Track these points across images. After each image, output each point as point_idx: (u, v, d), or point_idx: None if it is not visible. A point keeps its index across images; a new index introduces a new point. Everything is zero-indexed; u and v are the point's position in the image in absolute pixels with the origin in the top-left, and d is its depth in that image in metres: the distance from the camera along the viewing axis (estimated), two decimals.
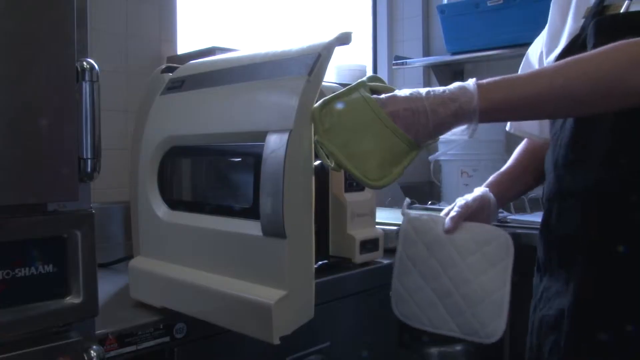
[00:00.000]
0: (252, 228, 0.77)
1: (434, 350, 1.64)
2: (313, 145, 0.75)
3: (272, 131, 0.75)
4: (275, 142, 0.74)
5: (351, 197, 1.20)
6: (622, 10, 0.83)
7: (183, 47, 1.66)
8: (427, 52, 2.47)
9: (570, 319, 0.82)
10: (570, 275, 0.84)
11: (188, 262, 0.88)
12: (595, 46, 0.80)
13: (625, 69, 0.68)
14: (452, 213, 0.95)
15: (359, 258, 1.18)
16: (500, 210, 1.69)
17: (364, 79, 0.79)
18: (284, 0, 2.13)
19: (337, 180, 1.20)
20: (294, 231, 0.73)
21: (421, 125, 0.71)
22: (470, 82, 0.72)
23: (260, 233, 0.75)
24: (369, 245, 1.19)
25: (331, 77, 2.08)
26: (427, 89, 0.74)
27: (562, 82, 0.70)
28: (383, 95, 0.74)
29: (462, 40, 2.12)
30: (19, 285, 0.63)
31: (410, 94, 0.73)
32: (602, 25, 0.82)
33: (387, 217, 1.51)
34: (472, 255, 0.90)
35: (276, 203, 0.72)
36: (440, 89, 0.73)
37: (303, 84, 0.74)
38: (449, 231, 0.92)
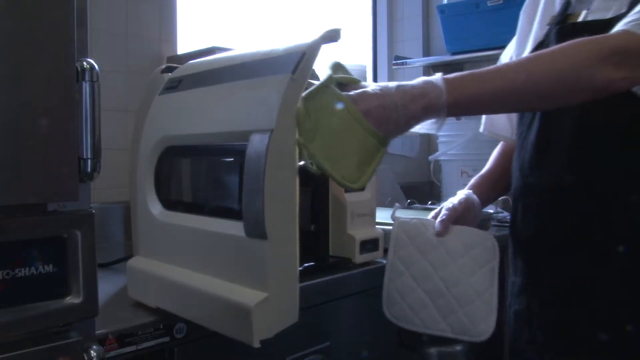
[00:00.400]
0: (237, 229, 0.76)
1: (433, 350, 1.64)
2: (297, 145, 0.73)
3: (255, 131, 0.74)
4: (257, 142, 0.72)
5: (351, 197, 1.20)
6: (579, 19, 0.89)
7: (183, 47, 1.66)
8: (427, 52, 2.47)
9: (536, 314, 0.85)
10: (533, 271, 0.86)
11: (180, 262, 0.88)
12: None
13: (583, 64, 0.72)
14: (442, 217, 0.97)
15: (359, 258, 1.18)
16: (501, 210, 1.69)
17: (330, 71, 0.78)
18: (284, 0, 2.13)
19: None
20: (276, 232, 0.72)
21: (392, 120, 0.73)
22: (437, 77, 0.74)
23: (243, 234, 0.74)
24: (369, 245, 1.19)
25: None
26: (395, 83, 0.75)
27: (526, 77, 0.73)
28: (353, 92, 0.74)
29: (462, 40, 2.12)
30: (19, 285, 0.63)
31: (381, 89, 0.74)
32: (563, 32, 0.87)
33: (387, 217, 1.50)
34: (461, 258, 0.92)
35: (257, 203, 0.71)
36: (409, 83, 0.75)
37: (286, 83, 0.73)
38: (440, 234, 0.94)
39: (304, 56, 0.74)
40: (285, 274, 0.75)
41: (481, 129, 1.18)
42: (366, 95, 0.73)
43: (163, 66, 1.14)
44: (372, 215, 1.24)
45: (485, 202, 1.06)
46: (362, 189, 0.73)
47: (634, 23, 0.73)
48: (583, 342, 0.82)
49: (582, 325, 0.82)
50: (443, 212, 0.98)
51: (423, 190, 2.31)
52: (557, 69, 0.73)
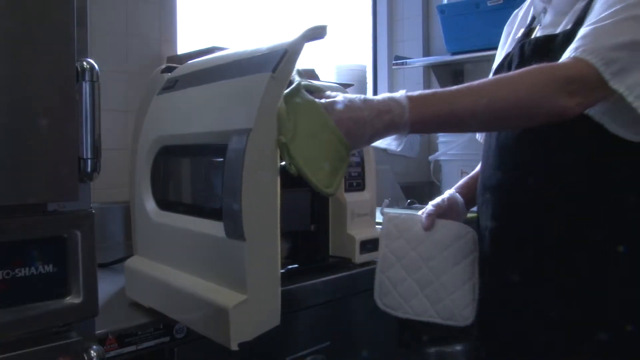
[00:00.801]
0: (219, 229, 0.75)
1: (433, 350, 1.64)
2: (278, 144, 0.72)
3: (234, 131, 0.73)
4: (236, 142, 0.71)
5: (351, 197, 1.20)
6: (533, 35, 0.94)
7: (183, 47, 1.66)
8: (427, 52, 2.47)
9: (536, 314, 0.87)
10: (533, 271, 0.89)
11: (170, 262, 0.88)
12: (518, 66, 0.91)
13: (540, 93, 0.76)
14: (428, 212, 1.04)
15: (359, 258, 1.18)
16: None
17: (297, 77, 0.79)
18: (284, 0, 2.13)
19: None
20: (255, 234, 0.71)
21: (360, 134, 0.75)
22: (402, 95, 0.76)
23: (224, 235, 0.73)
24: (369, 245, 1.19)
25: (331, 77, 2.08)
26: (361, 96, 0.77)
27: (486, 102, 0.76)
28: (323, 100, 0.76)
29: (462, 40, 2.12)
30: (19, 285, 0.63)
31: (349, 101, 0.75)
32: (522, 48, 0.92)
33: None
34: (446, 249, 0.99)
35: (235, 204, 0.70)
36: (375, 98, 0.76)
37: (266, 82, 0.72)
38: (426, 228, 1.01)
39: (285, 54, 0.73)
40: (266, 276, 0.74)
41: (477, 136, 1.20)
42: (336, 105, 0.75)
43: (163, 66, 1.14)
44: (372, 215, 1.24)
45: (470, 202, 1.09)
46: (333, 194, 0.75)
47: (582, 49, 0.75)
48: (583, 342, 0.83)
49: (582, 325, 0.83)
50: (429, 207, 1.05)
51: (423, 190, 2.31)
52: (516, 97, 0.76)
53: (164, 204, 0.95)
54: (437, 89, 0.78)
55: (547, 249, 0.85)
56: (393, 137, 0.79)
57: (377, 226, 1.25)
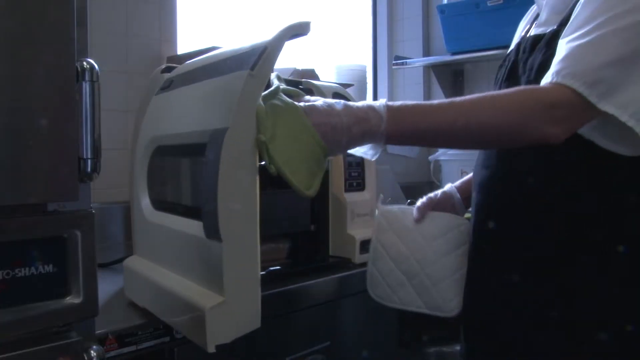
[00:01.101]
0: (200, 230, 0.73)
1: (433, 350, 1.64)
2: (258, 143, 0.71)
3: (212, 130, 0.72)
4: (213, 141, 0.70)
5: (351, 197, 1.20)
6: (528, 35, 0.93)
7: (183, 47, 1.66)
8: (427, 52, 2.47)
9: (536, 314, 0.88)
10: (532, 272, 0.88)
11: (161, 262, 0.88)
12: (511, 66, 0.91)
13: (519, 121, 0.75)
14: (419, 204, 1.04)
15: (359, 258, 1.18)
16: None
17: (276, 81, 0.79)
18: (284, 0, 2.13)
19: (337, 180, 1.20)
20: (232, 234, 0.69)
21: (336, 140, 0.74)
22: (381, 104, 0.75)
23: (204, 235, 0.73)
24: (369, 245, 1.19)
25: (331, 77, 2.08)
26: (341, 102, 0.76)
27: (464, 122, 0.75)
28: (302, 104, 0.76)
29: (462, 40, 2.12)
30: (19, 285, 0.63)
31: (329, 106, 0.75)
32: (518, 47, 0.92)
33: None
34: (435, 240, 1.00)
35: (211, 204, 0.69)
36: (355, 105, 0.76)
37: (244, 80, 0.70)
38: (417, 220, 1.02)
39: (264, 52, 0.72)
40: (244, 277, 0.72)
41: None
42: (315, 109, 0.74)
43: (163, 66, 1.14)
44: (372, 215, 1.24)
45: (467, 201, 1.08)
46: (312, 196, 0.75)
47: (564, 73, 0.73)
48: (583, 342, 0.83)
49: (582, 325, 0.83)
50: (422, 200, 1.05)
51: (423, 190, 2.29)
52: (495, 122, 0.75)
53: (157, 203, 0.95)
54: (419, 102, 0.77)
55: (547, 248, 0.86)
56: (369, 145, 0.79)
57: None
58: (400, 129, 0.75)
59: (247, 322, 0.73)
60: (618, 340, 0.81)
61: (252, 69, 0.71)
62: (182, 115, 0.87)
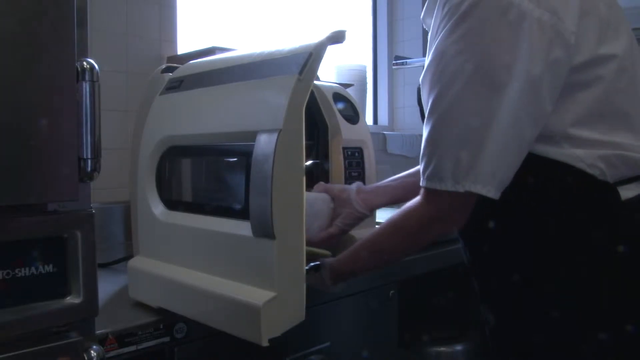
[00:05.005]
0: (243, 229, 0.76)
1: (433, 350, 1.64)
2: (304, 144, 0.75)
3: (262, 131, 0.74)
4: (264, 142, 0.73)
5: None
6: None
7: (183, 47, 1.66)
8: (427, 52, 2.47)
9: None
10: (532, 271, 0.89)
11: (183, 262, 0.88)
12: None
13: (416, 239, 0.89)
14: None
15: None
16: None
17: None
18: (284, 0, 2.13)
19: (336, 180, 1.19)
20: (283, 232, 0.73)
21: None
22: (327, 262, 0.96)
23: (250, 234, 0.75)
24: None
25: (331, 77, 2.08)
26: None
27: (387, 259, 0.97)
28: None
29: None
30: (19, 285, 0.63)
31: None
32: None
33: (387, 217, 1.50)
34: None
35: (265, 203, 0.72)
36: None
37: (294, 83, 0.74)
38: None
39: (310, 57, 0.75)
40: (292, 273, 0.76)
41: None
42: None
43: (163, 66, 1.14)
44: (372, 215, 1.24)
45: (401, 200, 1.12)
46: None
47: (428, 174, 0.81)
48: (583, 342, 0.83)
49: (582, 325, 0.83)
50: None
51: None
52: (403, 249, 0.93)
53: (173, 204, 0.95)
54: (352, 254, 0.95)
55: (547, 248, 0.86)
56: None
57: (377, 226, 1.25)
58: (343, 277, 0.97)
59: (294, 315, 0.76)
60: (618, 340, 0.81)
61: (300, 73, 0.74)
62: (209, 116, 0.88)
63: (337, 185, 1.13)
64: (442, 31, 0.79)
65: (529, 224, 0.85)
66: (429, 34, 0.88)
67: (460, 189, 0.77)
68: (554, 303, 0.84)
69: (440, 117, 0.79)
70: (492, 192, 0.77)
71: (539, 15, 0.75)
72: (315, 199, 1.07)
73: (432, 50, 0.82)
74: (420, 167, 0.83)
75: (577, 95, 0.80)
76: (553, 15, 0.76)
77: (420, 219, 0.86)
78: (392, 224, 0.90)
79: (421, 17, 0.96)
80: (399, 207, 0.96)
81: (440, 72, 0.79)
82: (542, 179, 0.82)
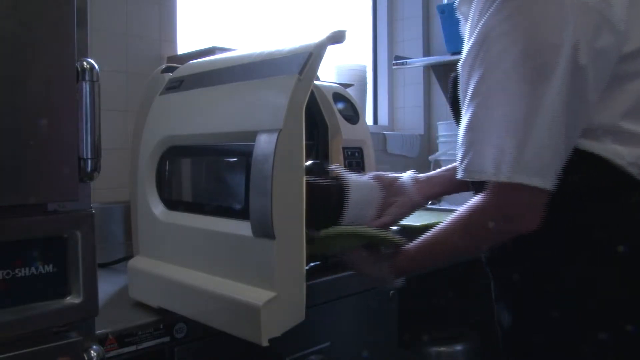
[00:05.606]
0: (243, 229, 0.76)
1: (433, 350, 1.64)
2: (304, 144, 0.75)
3: (262, 131, 0.74)
4: (264, 142, 0.73)
5: None
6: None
7: (183, 47, 1.66)
8: (427, 52, 2.47)
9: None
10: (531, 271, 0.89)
11: (183, 262, 0.88)
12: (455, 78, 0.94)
13: (487, 241, 0.85)
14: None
15: None
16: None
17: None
18: (284, 0, 2.13)
19: None
20: (283, 232, 0.73)
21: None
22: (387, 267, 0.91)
23: (250, 234, 0.75)
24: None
25: (331, 77, 2.08)
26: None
27: (453, 255, 0.96)
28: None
29: (463, 41, 2.11)
30: (19, 285, 0.63)
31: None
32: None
33: None
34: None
35: (265, 203, 0.72)
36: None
37: (294, 83, 0.74)
38: None
39: (310, 57, 0.75)
40: (292, 273, 0.76)
41: None
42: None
43: (163, 66, 1.14)
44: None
45: (436, 195, 1.11)
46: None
47: (466, 164, 0.78)
48: (583, 342, 0.83)
49: (582, 325, 0.83)
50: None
51: None
52: (471, 249, 0.91)
53: (173, 204, 0.95)
54: (419, 249, 0.89)
55: (547, 248, 0.86)
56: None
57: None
58: (404, 272, 0.93)
59: (294, 316, 0.76)
60: (618, 340, 0.81)
61: (300, 73, 0.74)
62: (210, 116, 0.88)
63: (389, 173, 1.09)
64: (485, 14, 0.76)
65: (563, 220, 0.82)
66: (467, 22, 0.85)
67: (504, 179, 0.74)
68: (569, 301, 0.82)
69: (483, 101, 0.76)
70: (548, 183, 0.75)
71: None
72: (370, 188, 1.01)
73: (472, 35, 0.79)
74: (457, 156, 0.79)
75: (626, 86, 0.77)
76: (600, 1, 0.73)
77: (488, 215, 0.80)
78: (458, 221, 0.84)
79: (455, 4, 0.93)
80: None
81: (485, 53, 0.76)
82: (579, 174, 0.79)
